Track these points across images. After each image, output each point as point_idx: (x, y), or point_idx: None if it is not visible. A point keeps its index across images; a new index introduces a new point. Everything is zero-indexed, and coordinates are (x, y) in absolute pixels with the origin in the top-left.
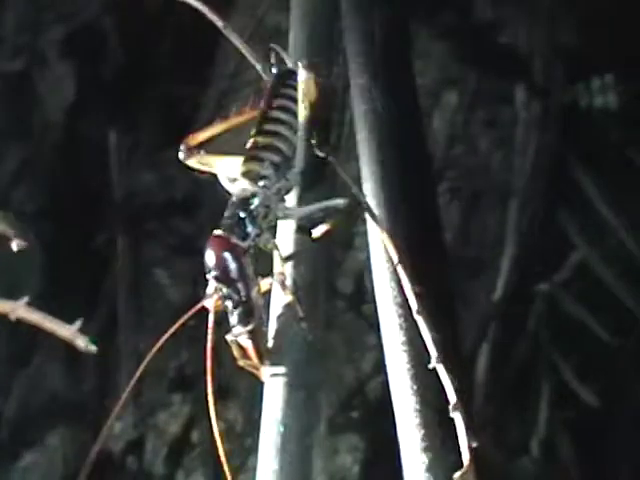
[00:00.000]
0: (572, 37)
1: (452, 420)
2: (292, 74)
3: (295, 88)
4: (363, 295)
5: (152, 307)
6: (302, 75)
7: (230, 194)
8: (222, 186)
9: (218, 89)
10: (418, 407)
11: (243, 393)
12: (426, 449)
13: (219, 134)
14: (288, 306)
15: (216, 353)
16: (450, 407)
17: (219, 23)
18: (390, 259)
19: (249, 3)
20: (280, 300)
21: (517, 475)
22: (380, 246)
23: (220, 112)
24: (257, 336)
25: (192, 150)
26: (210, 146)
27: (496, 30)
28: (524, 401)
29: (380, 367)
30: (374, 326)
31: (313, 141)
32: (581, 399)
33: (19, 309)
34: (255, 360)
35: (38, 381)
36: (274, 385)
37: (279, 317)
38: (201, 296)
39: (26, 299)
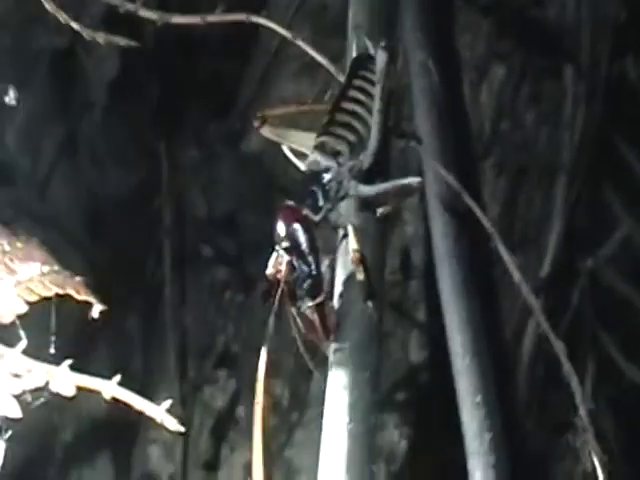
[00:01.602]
0: (620, 9)
1: None
2: (370, 58)
3: (373, 71)
4: (410, 271)
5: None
6: (381, 57)
7: (297, 169)
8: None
9: (260, 65)
10: None
11: (289, 369)
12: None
13: (293, 114)
14: (354, 284)
15: (262, 328)
16: None
17: (288, 35)
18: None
19: None
20: (346, 277)
21: (560, 451)
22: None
23: (263, 88)
24: (324, 310)
25: (266, 119)
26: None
27: (543, 3)
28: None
29: (426, 344)
30: (420, 302)
31: (389, 123)
32: (625, 376)
33: (112, 387)
34: (321, 335)
35: None
36: (338, 363)
37: (343, 295)
38: (247, 272)
39: (118, 378)
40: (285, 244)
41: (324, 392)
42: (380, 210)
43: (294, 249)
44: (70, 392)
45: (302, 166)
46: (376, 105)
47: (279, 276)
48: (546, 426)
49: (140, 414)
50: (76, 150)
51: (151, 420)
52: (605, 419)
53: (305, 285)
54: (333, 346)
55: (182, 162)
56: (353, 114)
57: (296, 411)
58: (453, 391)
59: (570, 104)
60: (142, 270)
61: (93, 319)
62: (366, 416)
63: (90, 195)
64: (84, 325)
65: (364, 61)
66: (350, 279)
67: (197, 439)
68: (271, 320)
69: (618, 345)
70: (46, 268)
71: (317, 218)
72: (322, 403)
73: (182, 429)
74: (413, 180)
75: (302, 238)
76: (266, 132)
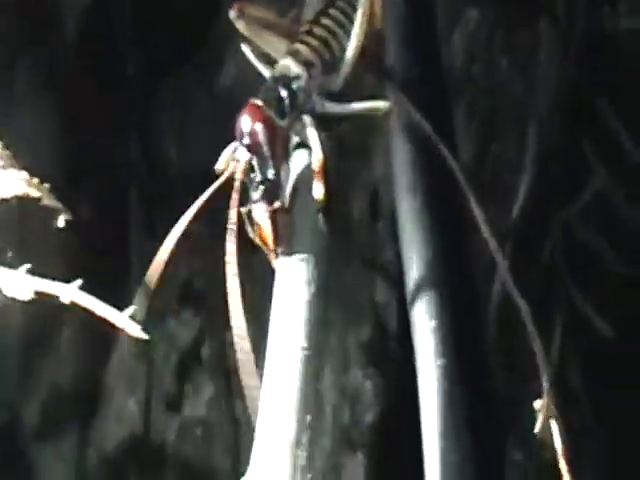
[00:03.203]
0: None
1: None
2: None
3: None
4: (378, 211)
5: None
6: None
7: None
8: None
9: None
10: None
11: (254, 305)
12: None
13: (271, 19)
14: (306, 195)
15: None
16: None
17: None
18: None
19: None
20: (297, 187)
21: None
22: None
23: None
24: (277, 218)
25: (244, 13)
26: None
27: None
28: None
29: (393, 285)
30: (388, 243)
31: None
32: (595, 329)
33: (72, 292)
34: (270, 243)
35: None
36: (284, 275)
37: (294, 205)
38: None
39: (79, 282)
40: (247, 141)
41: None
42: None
43: (254, 148)
44: (26, 296)
45: (265, 70)
46: (355, 30)
47: (234, 171)
48: (515, 372)
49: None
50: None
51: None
52: (574, 374)
53: (262, 188)
54: (280, 257)
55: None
56: (331, 33)
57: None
58: None
59: (545, 53)
60: (109, 202)
61: (58, 228)
62: (313, 333)
63: (59, 124)
64: (48, 233)
65: None
66: (302, 189)
67: (160, 374)
68: (232, 220)
69: (589, 300)
70: (7, 170)
71: (282, 124)
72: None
73: (145, 336)
74: (381, 104)
75: (264, 139)
76: (241, 25)
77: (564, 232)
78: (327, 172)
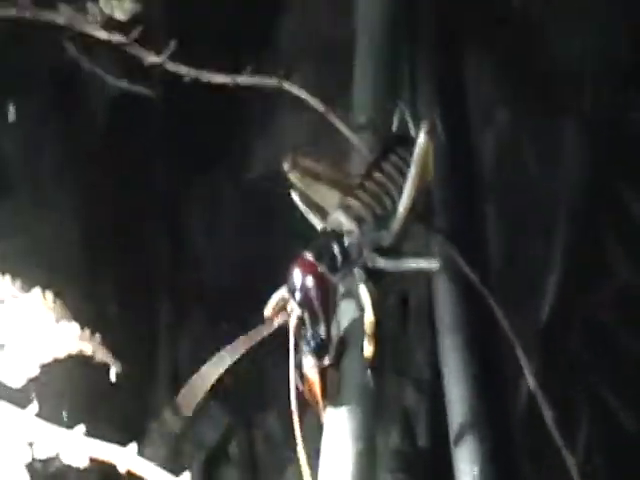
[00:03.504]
0: (626, 54)
1: None
2: (409, 140)
3: (411, 153)
4: (406, 316)
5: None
6: (422, 139)
7: (314, 225)
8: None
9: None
10: None
11: (282, 402)
12: None
13: (321, 170)
14: (355, 352)
15: (259, 363)
16: None
17: (321, 108)
18: None
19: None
20: (346, 344)
21: None
22: None
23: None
24: (327, 374)
25: (297, 164)
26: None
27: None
28: (565, 426)
29: (423, 391)
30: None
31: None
32: (622, 425)
33: (128, 458)
34: (319, 397)
35: None
36: (333, 431)
37: (343, 361)
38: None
39: (135, 448)
40: (299, 296)
41: (320, 428)
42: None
43: (307, 304)
44: (83, 463)
45: (316, 221)
46: (408, 187)
47: (288, 325)
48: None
49: None
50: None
51: None
52: (601, 469)
53: (312, 344)
54: (329, 411)
55: (184, 194)
56: (384, 188)
57: (288, 446)
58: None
59: (570, 145)
60: (138, 301)
61: (110, 382)
62: None
63: (88, 219)
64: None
65: (404, 140)
66: (351, 344)
67: (190, 471)
68: (291, 368)
69: (614, 393)
70: (60, 325)
71: (334, 279)
72: (317, 439)
73: None
74: (431, 264)
75: (316, 295)
76: (294, 177)
77: (590, 326)
78: (378, 333)
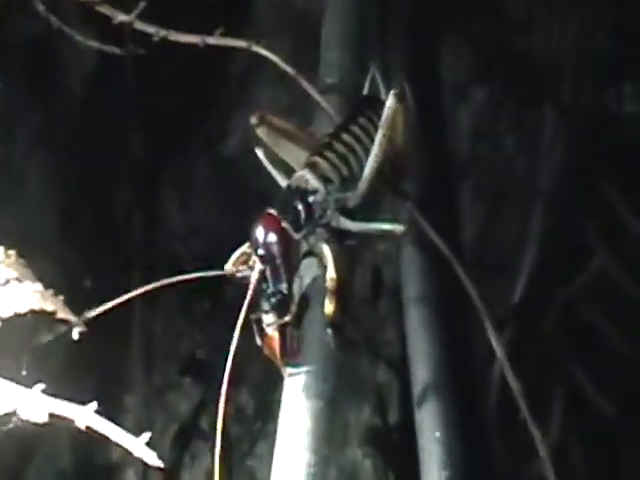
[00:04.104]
0: (605, 41)
1: None
2: (379, 102)
3: (379, 116)
4: (380, 289)
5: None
6: (391, 103)
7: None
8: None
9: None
10: None
11: (255, 377)
12: None
13: (290, 128)
14: (315, 309)
15: (230, 336)
16: None
17: (291, 70)
18: None
19: None
20: (306, 301)
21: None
22: None
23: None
24: (286, 332)
25: (264, 121)
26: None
27: (529, 31)
28: (537, 406)
29: (395, 365)
30: (389, 322)
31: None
32: (595, 407)
33: (87, 415)
34: (278, 354)
35: None
36: (293, 388)
37: (302, 318)
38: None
39: (94, 406)
40: (261, 252)
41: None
42: (348, 242)
43: (269, 260)
44: (42, 419)
45: (279, 178)
46: (374, 149)
47: (248, 280)
48: (514, 452)
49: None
50: (51, 140)
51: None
52: (575, 450)
53: (273, 300)
54: (288, 370)
55: (158, 164)
56: (351, 149)
57: (260, 421)
58: None
59: (550, 132)
60: (111, 272)
61: (73, 340)
62: (320, 447)
63: (63, 188)
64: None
65: (373, 102)
66: (311, 303)
67: (159, 444)
68: (238, 327)
69: (589, 376)
70: (23, 284)
71: (297, 236)
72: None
73: (161, 464)
74: (396, 227)
75: (278, 251)
76: (261, 132)
77: (566, 309)
78: (339, 291)
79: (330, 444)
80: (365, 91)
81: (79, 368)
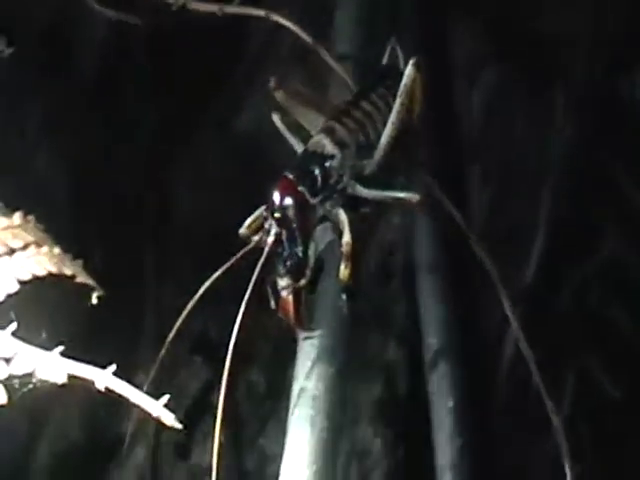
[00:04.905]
0: (618, 26)
1: None
2: (399, 73)
3: (398, 85)
4: (392, 268)
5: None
6: (410, 73)
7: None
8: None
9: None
10: None
11: (266, 355)
12: None
13: (308, 94)
14: (330, 275)
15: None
16: None
17: (309, 39)
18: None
19: None
20: (322, 267)
21: (537, 459)
22: None
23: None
24: (301, 296)
25: (282, 85)
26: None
27: (542, 14)
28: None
29: (404, 342)
30: (400, 301)
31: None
32: (604, 390)
33: (106, 377)
34: (292, 319)
35: None
36: (305, 354)
37: (318, 284)
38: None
39: (113, 367)
40: (277, 215)
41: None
42: (363, 210)
43: (285, 223)
44: (61, 379)
45: (296, 144)
46: (392, 118)
47: (263, 243)
48: (525, 429)
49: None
50: (62, 123)
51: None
52: (582, 431)
53: (288, 263)
54: (302, 334)
55: (169, 144)
56: (369, 117)
57: (271, 399)
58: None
59: (561, 115)
60: (124, 251)
61: (92, 305)
62: (332, 411)
63: (74, 172)
64: (80, 309)
65: (393, 72)
66: (326, 269)
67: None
68: (250, 287)
69: (599, 360)
70: (42, 248)
71: (313, 201)
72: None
73: (179, 425)
74: (412, 195)
75: (294, 215)
76: (279, 96)
77: (576, 293)
78: (354, 256)
79: (342, 412)
80: (384, 61)
81: (93, 342)
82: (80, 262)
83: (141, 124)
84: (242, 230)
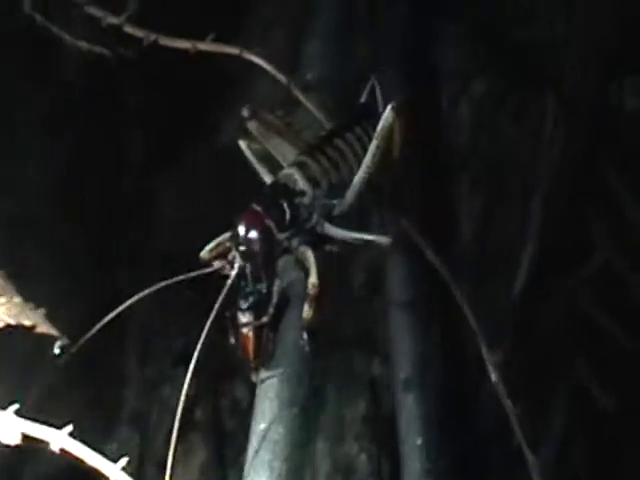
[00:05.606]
0: (609, 34)
1: None
2: (376, 114)
3: (375, 128)
4: (376, 286)
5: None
6: (387, 116)
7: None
8: None
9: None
10: None
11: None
12: None
13: (281, 125)
14: (292, 313)
15: (223, 330)
16: None
17: (283, 79)
18: None
19: None
20: (283, 305)
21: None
22: None
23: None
24: (262, 333)
25: (256, 114)
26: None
27: (531, 22)
28: (539, 401)
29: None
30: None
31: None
32: (597, 402)
33: (62, 439)
34: (251, 355)
35: None
36: (264, 394)
37: (284, 322)
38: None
39: (70, 428)
40: (243, 248)
41: None
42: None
43: (249, 257)
44: (14, 441)
45: (264, 174)
46: (367, 160)
47: (226, 272)
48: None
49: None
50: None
51: None
52: (576, 445)
53: (251, 299)
54: (261, 374)
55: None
56: (343, 156)
57: None
58: None
59: (551, 124)
60: (102, 268)
61: (54, 355)
62: (291, 455)
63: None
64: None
65: (371, 113)
66: (289, 307)
67: (154, 437)
68: (210, 318)
69: (592, 371)
70: (1, 298)
71: (280, 236)
72: None
73: None
74: (382, 239)
75: (260, 250)
76: (252, 126)
77: (567, 302)
78: (320, 297)
79: (302, 455)
80: (362, 99)
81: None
82: (42, 311)
83: (126, 141)
84: (203, 253)
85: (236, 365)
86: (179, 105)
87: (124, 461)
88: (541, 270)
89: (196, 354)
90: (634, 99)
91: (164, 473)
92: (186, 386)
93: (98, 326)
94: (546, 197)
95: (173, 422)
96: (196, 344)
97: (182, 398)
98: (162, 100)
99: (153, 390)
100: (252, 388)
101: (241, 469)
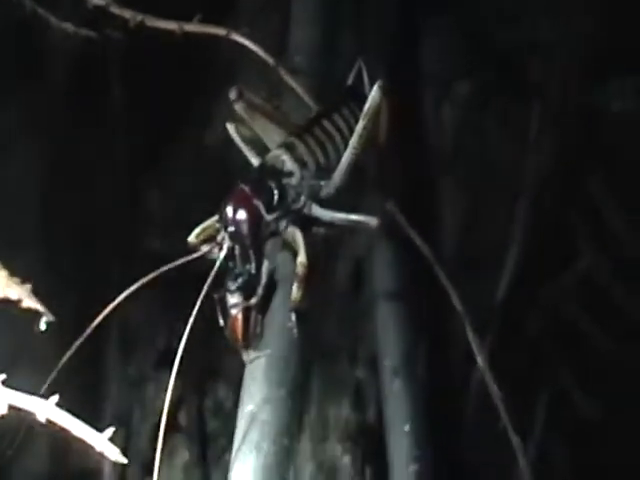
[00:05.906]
0: (594, 36)
1: None
2: (363, 96)
3: (362, 109)
4: (361, 279)
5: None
6: (374, 95)
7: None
8: None
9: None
10: None
11: (233, 372)
12: None
13: (269, 108)
14: (282, 294)
15: (206, 330)
16: None
17: (270, 60)
18: None
19: None
20: (272, 285)
21: None
22: None
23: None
24: (251, 315)
25: (243, 96)
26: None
27: (516, 23)
28: (521, 407)
29: (375, 360)
30: (370, 315)
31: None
32: (579, 408)
33: (49, 409)
34: (240, 337)
35: None
36: (252, 375)
37: (273, 303)
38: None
39: (56, 398)
40: (230, 228)
41: None
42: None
43: (238, 238)
44: (1, 411)
45: (251, 156)
46: (353, 141)
47: (214, 255)
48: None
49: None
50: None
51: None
52: (558, 452)
53: (239, 281)
54: (250, 355)
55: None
56: (330, 138)
57: None
58: None
59: (536, 128)
60: (87, 268)
61: (40, 331)
62: (278, 437)
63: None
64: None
65: (358, 94)
66: (277, 288)
67: (137, 437)
68: (198, 302)
69: (574, 377)
70: None
71: (268, 217)
72: None
73: (124, 460)
74: (370, 220)
75: (248, 230)
76: (239, 107)
77: (550, 308)
78: (308, 277)
79: (290, 436)
80: (350, 82)
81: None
82: (28, 287)
83: (113, 139)
84: (191, 238)
85: (220, 366)
86: (164, 103)
87: (111, 431)
88: (524, 275)
89: (182, 344)
90: (620, 101)
91: (147, 473)
92: (171, 386)
93: (88, 330)
94: (532, 200)
95: (157, 422)
96: (180, 342)
97: (167, 399)
98: (147, 97)
99: (136, 389)
100: (236, 389)
101: (225, 469)
